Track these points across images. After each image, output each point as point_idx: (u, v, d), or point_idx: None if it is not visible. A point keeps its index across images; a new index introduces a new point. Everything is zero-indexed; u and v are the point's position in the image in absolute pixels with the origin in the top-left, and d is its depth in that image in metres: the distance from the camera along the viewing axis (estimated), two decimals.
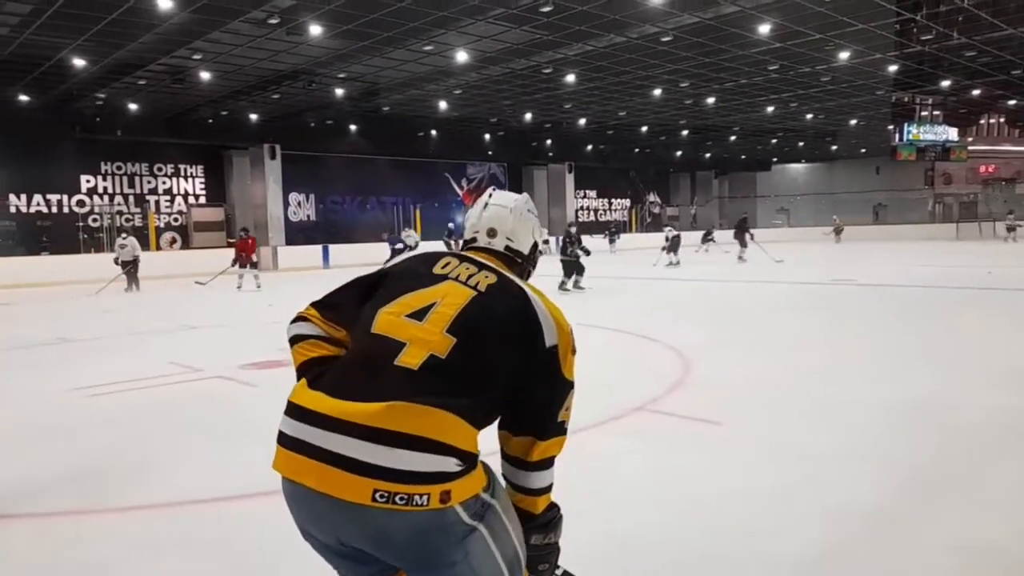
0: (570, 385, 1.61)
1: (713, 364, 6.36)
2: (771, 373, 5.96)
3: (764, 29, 15.40)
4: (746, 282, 14.31)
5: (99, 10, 12.57)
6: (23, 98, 19.29)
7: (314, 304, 1.67)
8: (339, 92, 20.33)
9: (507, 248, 1.80)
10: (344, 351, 1.59)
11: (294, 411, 1.46)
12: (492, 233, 1.79)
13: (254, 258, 16.38)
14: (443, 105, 22.76)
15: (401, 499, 1.33)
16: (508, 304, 1.56)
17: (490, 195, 1.86)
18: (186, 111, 22.12)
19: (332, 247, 23.64)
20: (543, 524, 1.64)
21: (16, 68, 16.33)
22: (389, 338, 1.50)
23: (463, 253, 1.75)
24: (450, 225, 26.22)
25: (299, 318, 1.66)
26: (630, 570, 2.64)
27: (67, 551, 2.97)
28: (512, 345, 1.52)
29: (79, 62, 15.89)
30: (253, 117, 23.47)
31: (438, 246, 24.84)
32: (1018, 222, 28.46)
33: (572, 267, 13.29)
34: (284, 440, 1.45)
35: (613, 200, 39.45)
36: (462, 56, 16.72)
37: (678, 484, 3.51)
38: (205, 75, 17.64)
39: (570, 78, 19.53)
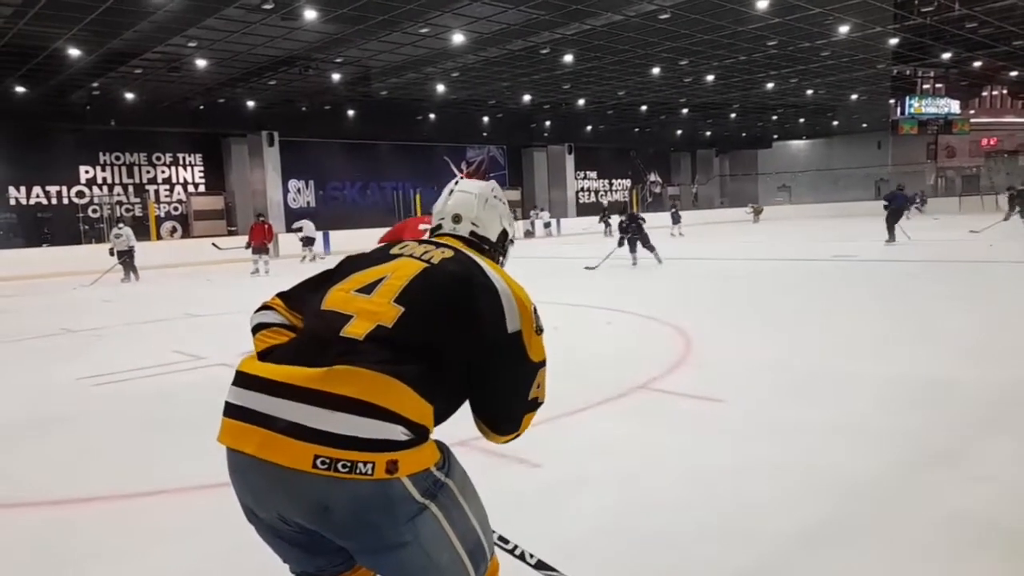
0: (540, 365, 1.57)
1: (714, 342, 6.37)
2: (772, 350, 5.97)
3: (762, 4, 15.26)
4: (745, 260, 14.30)
5: None
6: (20, 89, 19.22)
7: (279, 294, 1.67)
8: (336, 77, 20.23)
9: (472, 234, 1.76)
10: None
11: (239, 379, 1.42)
12: (457, 219, 1.77)
13: (266, 241, 16.51)
14: (441, 88, 22.65)
15: (343, 466, 1.25)
16: (461, 276, 1.52)
17: (456, 182, 1.85)
18: (183, 99, 22.04)
19: (333, 233, 23.64)
20: None
21: (11, 59, 16.26)
22: (337, 312, 1.47)
23: (425, 238, 1.73)
24: None
25: (263, 307, 1.64)
26: (630, 545, 2.66)
27: (74, 538, 3.00)
28: (465, 319, 1.46)
29: (74, 52, 15.81)
30: (250, 104, 23.38)
31: None
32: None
33: (634, 243, 13.86)
34: (228, 409, 1.40)
35: (614, 180, 39.32)
36: (459, 38, 16.61)
37: (678, 460, 3.53)
38: (201, 63, 17.55)
39: (568, 58, 19.40)
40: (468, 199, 1.78)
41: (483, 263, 1.57)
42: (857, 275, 11.46)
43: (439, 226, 1.79)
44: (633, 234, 13.88)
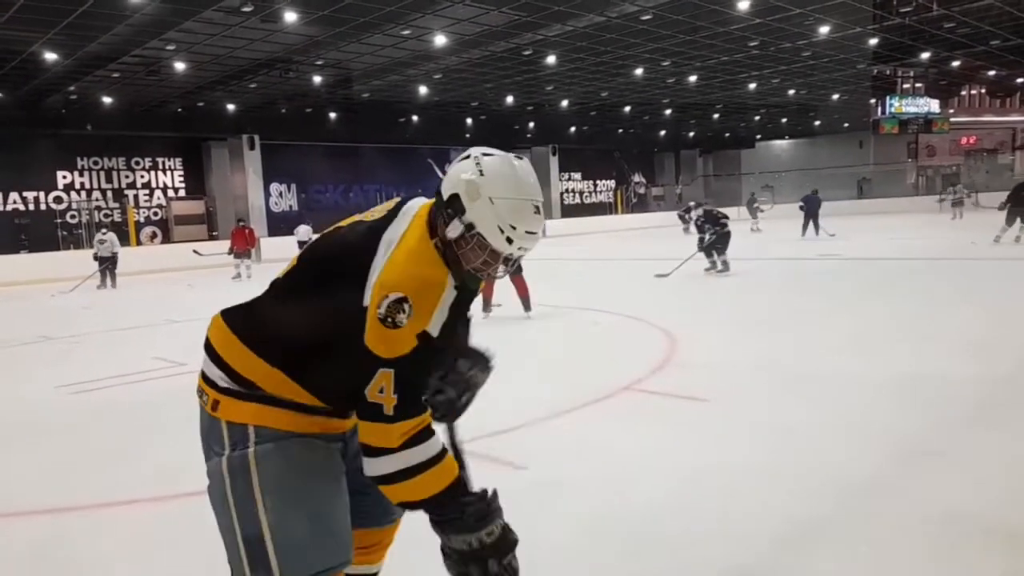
0: (379, 361, 1.40)
1: (699, 342, 6.36)
2: (757, 350, 5.97)
3: (744, 5, 15.31)
4: (732, 259, 14.35)
5: (69, 2, 12.31)
6: None
7: None
8: (317, 80, 20.09)
9: (439, 184, 1.59)
10: None
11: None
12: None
13: (248, 246, 16.44)
14: (423, 90, 22.56)
15: (198, 390, 1.58)
16: (354, 238, 1.57)
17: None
18: (162, 103, 21.80)
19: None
20: (435, 518, 1.48)
21: None
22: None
23: (411, 199, 1.69)
24: None
25: None
26: (617, 547, 2.63)
27: (56, 548, 2.93)
28: (334, 283, 1.50)
29: (50, 56, 15.59)
30: (230, 107, 23.17)
31: None
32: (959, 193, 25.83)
33: (712, 246, 12.00)
34: None
35: (598, 181, 39.38)
36: (440, 40, 16.54)
37: (663, 461, 3.50)
38: (180, 66, 17.37)
39: (551, 59, 19.39)
40: (464, 155, 1.60)
41: (396, 232, 1.53)
42: (843, 273, 11.52)
43: None
44: (711, 236, 11.97)
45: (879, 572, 2.39)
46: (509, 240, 1.52)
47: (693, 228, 21.56)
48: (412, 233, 1.52)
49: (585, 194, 38.82)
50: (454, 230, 1.51)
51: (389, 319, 1.38)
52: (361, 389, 1.41)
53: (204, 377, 1.55)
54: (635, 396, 4.67)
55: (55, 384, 5.87)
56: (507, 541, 1.49)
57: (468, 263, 1.54)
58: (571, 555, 2.60)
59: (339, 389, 1.49)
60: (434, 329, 1.44)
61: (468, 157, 1.57)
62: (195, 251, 17.91)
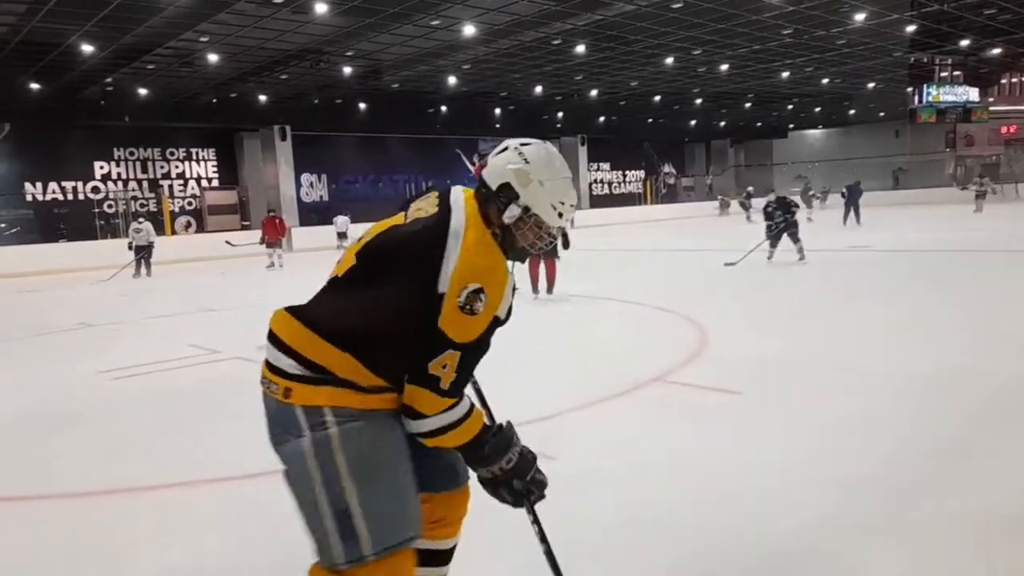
0: (450, 343, 1.57)
1: (730, 334, 6.32)
2: (789, 343, 5.91)
3: None
4: (762, 251, 14.19)
5: None
6: (34, 86, 19.34)
7: None
8: (347, 71, 20.21)
9: (484, 174, 1.77)
10: None
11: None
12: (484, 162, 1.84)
13: (279, 236, 16.70)
14: (452, 80, 22.58)
15: (263, 381, 1.63)
16: (414, 234, 1.65)
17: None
18: (195, 94, 22.10)
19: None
20: (473, 454, 1.69)
21: (25, 56, 16.35)
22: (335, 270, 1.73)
23: (454, 189, 1.78)
24: None
25: None
26: (647, 538, 2.64)
27: (94, 531, 3.02)
28: (407, 275, 1.59)
29: (87, 48, 15.88)
30: (262, 98, 23.42)
31: None
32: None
33: (780, 234, 11.86)
34: None
35: (627, 172, 39.13)
36: (470, 30, 16.53)
37: (694, 453, 3.49)
38: (212, 57, 17.58)
39: (580, 49, 19.27)
40: (502, 148, 1.79)
41: (459, 223, 1.64)
42: (877, 265, 11.34)
43: None
44: (780, 222, 11.76)
45: (915, 570, 2.37)
46: (560, 215, 1.76)
47: (753, 215, 21.25)
48: (474, 225, 1.65)
49: (614, 185, 38.60)
50: (511, 215, 1.71)
51: (467, 307, 1.55)
52: (419, 366, 1.58)
53: (271, 367, 1.61)
54: (666, 388, 4.66)
55: (96, 370, 6.02)
56: (525, 462, 1.75)
57: (524, 241, 1.75)
58: (601, 546, 2.61)
59: (403, 368, 1.60)
60: (502, 313, 1.64)
61: (507, 149, 1.77)
62: (227, 242, 18.20)
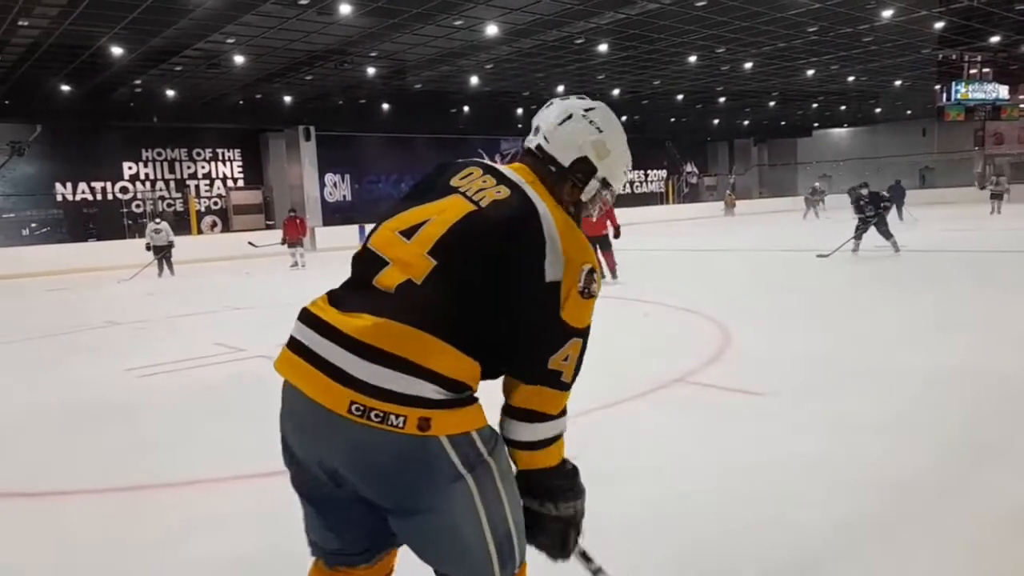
0: (573, 332, 1.40)
1: (753, 335, 6.28)
2: (812, 343, 5.86)
3: None
4: (785, 251, 14.07)
5: None
6: (64, 88, 19.70)
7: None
8: (370, 71, 20.34)
9: (539, 148, 1.56)
10: None
11: (302, 314, 1.45)
12: (535, 130, 1.59)
13: (300, 236, 16.88)
14: (474, 80, 22.63)
15: (376, 416, 1.26)
16: (506, 220, 1.39)
17: (568, 97, 1.63)
18: (221, 95, 22.37)
19: (369, 227, 23.80)
20: (534, 487, 1.45)
21: (57, 59, 16.66)
22: (377, 254, 1.44)
23: (495, 166, 1.56)
24: None
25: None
26: (670, 539, 2.64)
27: (124, 527, 3.07)
28: (502, 267, 1.36)
29: (117, 50, 16.14)
30: (287, 99, 23.65)
31: None
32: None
33: (867, 228, 12.15)
34: (289, 341, 1.43)
35: (649, 171, 38.95)
36: (492, 30, 16.56)
37: (717, 453, 3.48)
38: (239, 59, 17.79)
39: (602, 48, 19.22)
40: (553, 109, 1.59)
41: (539, 203, 1.42)
42: (902, 264, 11.19)
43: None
44: (871, 216, 11.99)
45: (938, 570, 2.35)
46: (626, 177, 1.65)
47: (812, 212, 21.15)
48: (553, 206, 1.45)
49: (636, 184, 38.43)
50: (590, 191, 1.57)
51: (586, 290, 1.41)
52: (539, 362, 1.40)
53: (390, 396, 1.27)
54: (688, 388, 4.65)
55: (124, 367, 6.13)
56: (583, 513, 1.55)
57: (588, 212, 1.62)
58: (625, 547, 2.61)
59: (522, 369, 1.42)
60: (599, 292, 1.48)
61: (571, 117, 1.56)
62: (250, 243, 18.41)
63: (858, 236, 12.19)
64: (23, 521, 3.23)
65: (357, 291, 1.42)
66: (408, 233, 1.43)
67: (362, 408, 1.27)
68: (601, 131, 1.56)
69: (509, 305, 1.37)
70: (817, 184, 30.35)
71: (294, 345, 1.41)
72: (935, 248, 13.09)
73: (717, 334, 6.27)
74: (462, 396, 1.32)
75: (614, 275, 10.65)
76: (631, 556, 2.53)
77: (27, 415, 4.95)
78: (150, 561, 2.73)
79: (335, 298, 1.44)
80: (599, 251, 10.31)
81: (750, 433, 3.76)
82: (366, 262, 1.45)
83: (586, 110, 1.57)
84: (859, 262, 11.76)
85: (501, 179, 1.48)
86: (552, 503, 1.46)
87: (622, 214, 30.66)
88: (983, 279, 9.17)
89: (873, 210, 11.98)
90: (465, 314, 1.35)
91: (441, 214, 1.42)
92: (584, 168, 1.54)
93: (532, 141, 1.58)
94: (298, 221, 17.38)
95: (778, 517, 2.75)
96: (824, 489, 2.99)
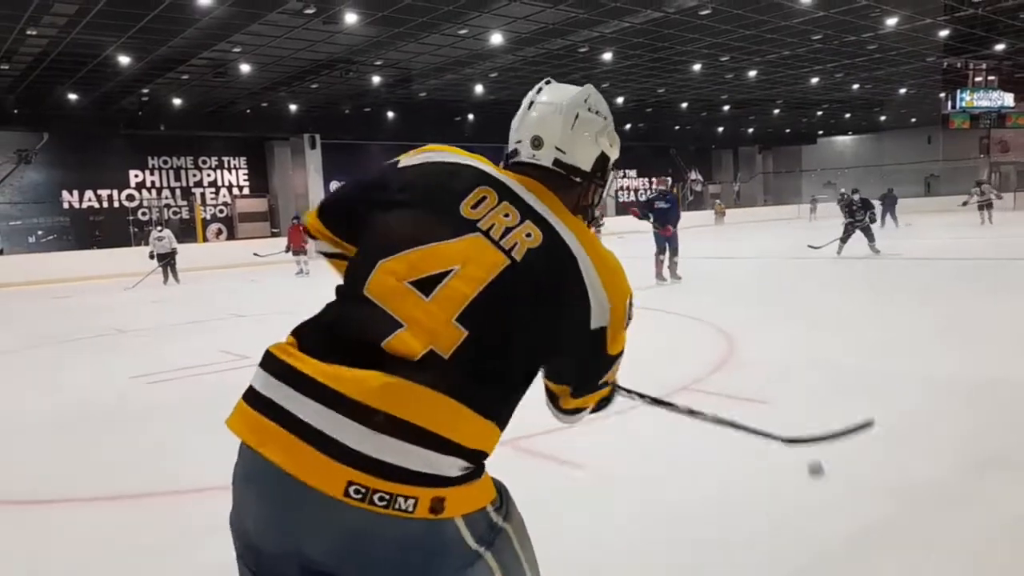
0: (613, 359, 1.34)
1: (758, 343, 6.27)
2: (817, 351, 5.85)
3: None
4: (790, 258, 14.05)
5: (141, 7, 12.81)
6: (72, 96, 19.83)
7: (318, 213, 1.43)
8: (376, 80, 20.43)
9: (557, 163, 1.35)
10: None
11: (270, 362, 1.16)
12: (536, 143, 1.36)
13: (305, 246, 16.83)
14: (479, 89, 22.71)
15: (381, 499, 1.03)
16: (549, 280, 1.20)
17: (539, 89, 1.45)
18: (227, 104, 22.50)
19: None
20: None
21: (64, 67, 16.78)
22: (382, 309, 1.15)
23: (505, 181, 1.30)
24: None
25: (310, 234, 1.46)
26: (675, 548, 2.63)
27: (130, 534, 3.08)
28: (541, 332, 1.21)
29: (124, 59, 16.25)
30: (292, 108, 23.76)
31: None
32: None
33: (851, 231, 13.46)
34: (250, 396, 1.15)
35: (654, 179, 38.91)
36: (497, 38, 16.62)
37: (722, 462, 3.47)
38: (245, 67, 17.89)
39: (607, 56, 19.27)
40: (549, 114, 1.37)
41: (573, 243, 1.24)
42: (904, 272, 11.17)
43: (515, 151, 1.40)
44: (859, 221, 13.30)
45: None
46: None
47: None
48: (579, 229, 1.28)
49: (640, 192, 38.43)
50: (610, 183, 1.45)
51: (629, 320, 1.32)
52: (593, 386, 1.41)
53: (401, 474, 1.05)
54: (693, 396, 4.64)
55: (129, 375, 6.15)
56: None
57: (602, 203, 1.52)
58: (626, 556, 2.61)
59: (508, 421, 1.25)
60: None
61: (578, 116, 1.39)
62: (255, 254, 18.44)
63: (844, 239, 13.42)
64: (27, 529, 3.24)
65: (353, 343, 1.14)
66: (423, 286, 1.16)
67: (363, 490, 1.03)
68: (605, 117, 1.42)
69: (547, 351, 1.25)
70: (844, 191, 30.71)
71: (261, 403, 1.12)
72: (936, 256, 13.06)
73: (722, 341, 6.27)
74: (479, 468, 1.14)
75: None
76: (634, 565, 2.53)
77: (33, 422, 4.97)
78: (158, 568, 2.74)
79: (313, 343, 1.16)
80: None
81: (753, 442, 3.74)
82: (364, 310, 1.17)
83: (584, 100, 1.41)
84: (858, 269, 11.74)
85: (525, 211, 1.25)
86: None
87: (625, 222, 30.49)
88: (981, 286, 9.14)
89: (863, 215, 13.26)
90: (497, 381, 1.17)
91: (466, 266, 1.17)
92: (603, 165, 1.40)
93: (542, 157, 1.35)
94: (302, 228, 17.41)
95: (787, 528, 2.75)
96: (831, 500, 2.98)
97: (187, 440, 4.35)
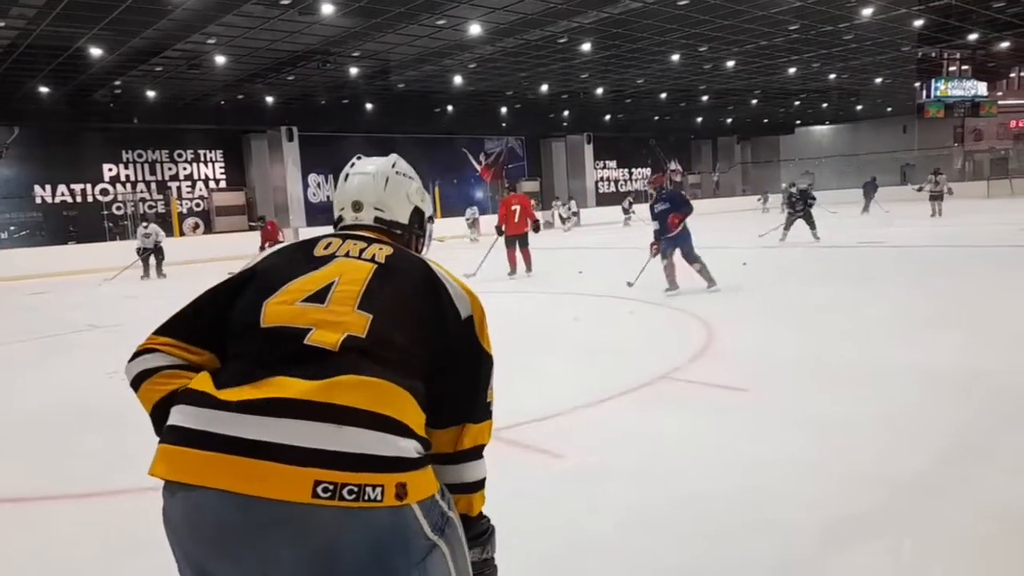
0: (491, 359, 1.38)
1: (738, 332, 6.31)
2: (797, 340, 5.90)
3: None
4: (769, 248, 14.16)
5: None
6: (43, 90, 19.47)
7: (160, 330, 1.34)
8: (353, 71, 20.26)
9: (378, 220, 1.53)
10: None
11: (191, 398, 1.14)
12: (357, 206, 1.53)
13: (281, 238, 16.75)
14: (458, 80, 22.60)
15: (350, 492, 1.02)
16: (414, 273, 1.35)
17: (351, 164, 1.62)
18: (203, 96, 22.20)
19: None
20: (480, 534, 1.35)
21: (35, 60, 16.46)
22: (287, 327, 1.20)
23: (344, 232, 1.48)
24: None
25: (142, 351, 1.31)
26: (655, 538, 2.64)
27: (116, 530, 3.05)
28: (426, 318, 1.30)
29: (96, 51, 15.97)
30: (269, 100, 23.51)
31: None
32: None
33: (792, 220, 14.54)
34: (177, 435, 1.10)
35: (634, 170, 39.07)
36: (475, 29, 16.55)
37: (702, 452, 3.50)
38: (220, 59, 17.66)
39: (586, 47, 19.26)
40: (365, 181, 1.55)
41: (424, 258, 1.44)
42: (884, 262, 11.30)
43: (340, 218, 1.56)
44: (798, 211, 14.32)
45: (922, 571, 2.37)
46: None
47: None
48: (413, 255, 1.46)
49: (620, 182, 38.55)
50: (428, 233, 1.67)
51: (484, 316, 1.39)
52: (484, 400, 1.38)
53: (368, 463, 1.05)
54: (673, 385, 4.67)
55: (105, 371, 6.06)
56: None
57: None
58: (607, 545, 2.62)
59: (448, 417, 1.34)
60: None
61: (388, 180, 1.57)
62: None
63: (787, 226, 14.62)
64: (6, 527, 3.19)
65: (271, 360, 1.15)
66: (315, 299, 1.25)
67: (331, 487, 1.01)
68: (411, 177, 1.63)
69: (434, 357, 1.29)
70: (784, 184, 31.44)
71: (194, 437, 1.08)
72: (929, 244, 13.23)
73: (702, 331, 6.31)
74: (428, 456, 1.17)
75: (529, 269, 11.58)
76: (617, 557, 2.54)
77: (8, 421, 4.90)
78: (145, 564, 2.71)
79: (227, 378, 1.16)
80: (519, 248, 11.62)
81: (736, 431, 3.78)
82: (269, 335, 1.20)
83: (392, 166, 1.60)
84: (845, 260, 11.86)
85: (371, 240, 1.42)
86: (490, 545, 1.38)
87: (608, 212, 30.57)
88: (970, 275, 9.27)
89: (802, 205, 14.24)
90: (410, 368, 1.22)
91: (344, 275, 1.29)
92: (419, 218, 1.60)
93: (364, 217, 1.52)
94: (268, 227, 17.28)
95: (765, 516, 2.76)
96: (811, 488, 3.01)
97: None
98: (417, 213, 1.60)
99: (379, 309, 1.24)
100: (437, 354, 1.29)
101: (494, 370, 1.40)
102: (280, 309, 1.23)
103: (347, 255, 1.36)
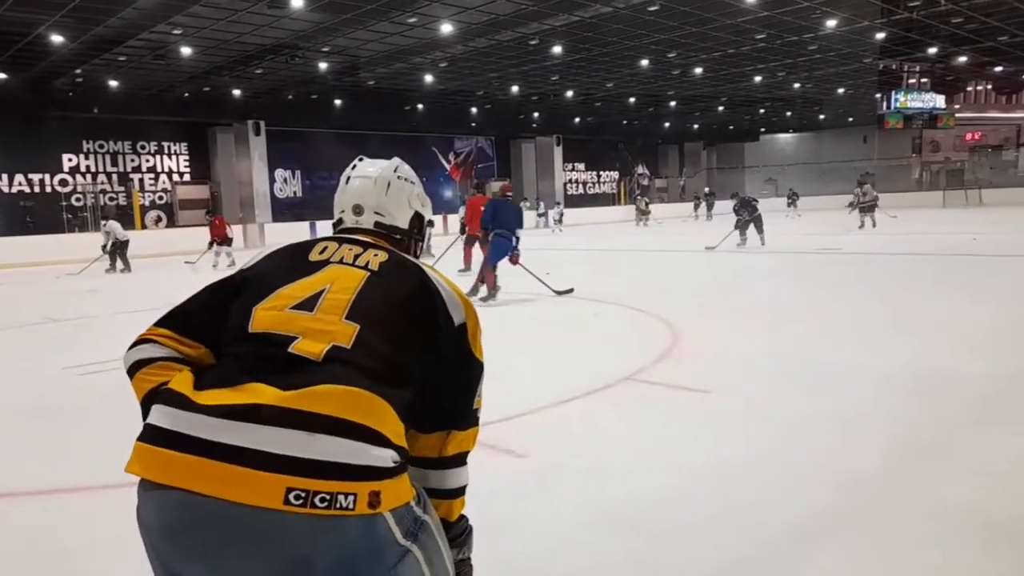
0: (481, 366, 1.40)
1: (701, 334, 6.41)
2: (760, 342, 6.01)
3: None
4: (733, 253, 14.38)
5: None
6: (1, 76, 18.94)
7: (160, 321, 1.37)
8: (323, 66, 20.07)
9: (378, 225, 1.55)
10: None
11: (168, 398, 1.16)
12: (358, 210, 1.55)
13: (229, 234, 16.38)
14: (429, 78, 22.54)
15: (322, 500, 1.02)
16: (408, 281, 1.36)
17: (353, 167, 1.65)
18: (168, 88, 21.80)
19: (320, 223, 23.54)
20: (458, 535, 1.38)
21: None
22: (274, 334, 1.23)
23: (341, 236, 1.50)
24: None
25: (141, 341, 1.35)
26: (618, 538, 2.68)
27: (75, 528, 3.00)
28: (418, 327, 1.31)
29: (57, 38, 15.59)
30: (236, 93, 23.17)
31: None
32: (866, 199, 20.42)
33: (745, 225, 15.29)
34: (152, 434, 1.13)
35: (602, 172, 39.33)
36: (447, 28, 16.53)
37: (665, 452, 3.55)
38: (186, 50, 17.36)
39: (557, 49, 19.35)
40: (366, 185, 1.57)
41: (420, 264, 1.44)
42: (846, 267, 11.55)
43: (340, 220, 1.58)
44: (743, 218, 15.21)
45: (882, 568, 2.42)
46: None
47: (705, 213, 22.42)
48: (409, 256, 1.50)
49: (588, 185, 38.77)
50: (427, 237, 1.61)
51: (478, 323, 1.41)
52: (472, 408, 1.41)
53: (340, 471, 1.06)
54: (637, 386, 4.73)
55: (62, 366, 5.94)
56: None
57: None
58: (571, 545, 2.65)
59: (433, 424, 1.37)
60: None
61: (390, 184, 1.60)
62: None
63: (741, 232, 15.26)
64: None
65: (254, 367, 1.17)
66: (305, 306, 1.26)
67: (303, 494, 1.02)
68: (413, 182, 1.63)
69: (425, 363, 1.30)
70: (707, 189, 33.02)
71: (169, 438, 1.10)
72: (887, 251, 13.55)
73: (666, 333, 6.39)
74: (404, 463, 1.17)
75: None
76: (582, 557, 2.57)
77: None
78: (102, 563, 2.67)
79: (209, 381, 1.18)
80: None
81: (699, 431, 3.84)
82: (256, 341, 1.23)
83: (395, 170, 1.62)
84: (805, 265, 12.10)
85: (367, 245, 1.43)
86: (467, 547, 1.43)
87: (576, 214, 30.78)
88: (927, 282, 9.52)
89: (747, 214, 15.15)
90: (396, 378, 1.22)
91: (335, 283, 1.31)
92: (418, 222, 1.62)
93: (364, 221, 1.55)
94: (216, 221, 16.77)
95: (728, 516, 2.81)
96: (773, 488, 3.07)
97: (121, 432, 4.23)
98: (417, 218, 1.62)
99: (368, 319, 1.25)
100: (428, 360, 1.30)
101: (483, 377, 1.41)
102: (269, 315, 1.26)
103: (341, 261, 1.37)
